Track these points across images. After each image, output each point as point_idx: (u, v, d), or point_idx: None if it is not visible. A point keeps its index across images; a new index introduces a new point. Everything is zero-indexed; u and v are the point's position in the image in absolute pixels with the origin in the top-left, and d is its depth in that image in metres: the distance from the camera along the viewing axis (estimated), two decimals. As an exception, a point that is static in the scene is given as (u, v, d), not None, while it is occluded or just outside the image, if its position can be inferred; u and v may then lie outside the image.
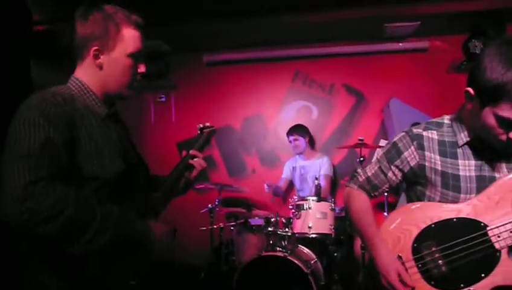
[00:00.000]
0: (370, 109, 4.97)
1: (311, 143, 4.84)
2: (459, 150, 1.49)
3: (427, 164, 1.51)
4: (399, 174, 1.59)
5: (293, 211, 3.60)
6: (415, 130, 1.55)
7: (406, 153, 1.54)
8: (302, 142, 4.57)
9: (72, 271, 1.31)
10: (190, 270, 4.84)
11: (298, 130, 4.61)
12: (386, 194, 3.97)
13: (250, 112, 5.23)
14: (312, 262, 3.60)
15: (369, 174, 1.64)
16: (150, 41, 4.79)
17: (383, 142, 4.88)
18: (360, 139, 3.71)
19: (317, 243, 3.91)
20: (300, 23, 4.51)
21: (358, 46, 4.93)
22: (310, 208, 3.52)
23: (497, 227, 1.40)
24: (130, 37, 1.49)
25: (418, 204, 1.54)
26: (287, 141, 4.76)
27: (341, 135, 4.98)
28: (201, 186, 4.46)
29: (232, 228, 4.00)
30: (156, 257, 1.45)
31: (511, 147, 1.37)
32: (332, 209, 3.58)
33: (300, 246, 3.82)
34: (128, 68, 1.51)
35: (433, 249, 1.45)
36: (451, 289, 1.42)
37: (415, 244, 1.48)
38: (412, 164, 1.54)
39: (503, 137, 1.34)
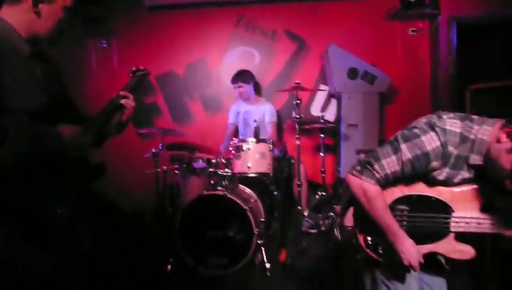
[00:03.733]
0: (310, 55, 5.09)
1: (257, 89, 4.92)
2: (465, 164, 1.63)
3: (438, 171, 1.65)
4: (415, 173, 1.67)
5: (233, 152, 3.72)
6: (449, 149, 1.59)
7: (432, 164, 1.61)
8: (246, 88, 4.62)
9: None
10: (136, 214, 4.94)
11: (241, 77, 4.63)
12: (322, 135, 4.18)
13: (193, 57, 5.21)
14: (252, 201, 3.78)
15: (388, 172, 1.63)
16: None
17: (323, 87, 5.06)
18: (296, 83, 3.83)
19: (258, 184, 4.09)
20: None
21: (300, -8, 4.98)
22: (249, 149, 3.66)
23: (459, 217, 1.69)
24: None
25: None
26: (230, 86, 4.81)
27: (283, 80, 5.09)
28: (144, 131, 4.49)
29: (176, 171, 4.08)
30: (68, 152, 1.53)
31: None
32: (271, 150, 3.73)
33: (241, 186, 3.98)
34: (60, 19, 1.60)
35: (405, 212, 1.72)
36: None
37: (392, 203, 1.73)
38: (430, 170, 1.65)
39: (507, 179, 1.52)
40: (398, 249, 1.67)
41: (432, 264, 1.81)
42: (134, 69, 2.01)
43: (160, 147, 4.23)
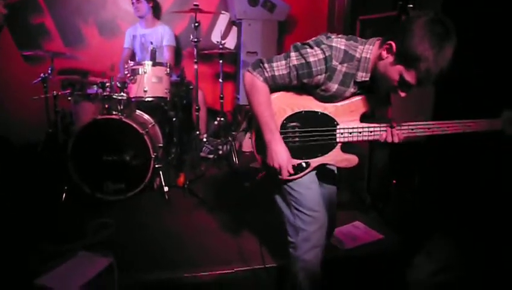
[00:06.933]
0: (212, -21, 4.95)
1: (155, 11, 4.71)
2: (352, 81, 1.77)
3: (324, 87, 1.78)
4: (300, 83, 1.78)
5: (129, 75, 3.59)
6: (333, 63, 1.70)
7: (316, 78, 1.73)
8: (144, 5, 4.42)
9: None
10: (27, 146, 4.66)
11: None
12: (221, 61, 4.19)
13: (85, -24, 4.81)
14: (150, 126, 3.74)
15: (276, 74, 1.75)
16: None
17: (224, 13, 5.00)
18: (195, 5, 3.73)
19: (156, 109, 4.02)
20: None
21: None
22: (145, 72, 3.56)
23: (343, 128, 1.87)
24: None
25: (298, 93, 1.87)
26: (128, 9, 4.56)
27: (182, 4, 4.91)
28: (29, 53, 4.14)
29: (69, 98, 3.85)
30: None
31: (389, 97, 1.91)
32: (168, 74, 3.66)
33: (138, 111, 3.90)
34: None
35: (296, 129, 1.87)
36: (295, 158, 1.86)
37: (285, 121, 1.87)
38: (316, 84, 1.77)
39: (394, 90, 1.69)
40: (271, 150, 1.78)
41: (325, 174, 2.06)
42: None
43: (49, 72, 3.93)
